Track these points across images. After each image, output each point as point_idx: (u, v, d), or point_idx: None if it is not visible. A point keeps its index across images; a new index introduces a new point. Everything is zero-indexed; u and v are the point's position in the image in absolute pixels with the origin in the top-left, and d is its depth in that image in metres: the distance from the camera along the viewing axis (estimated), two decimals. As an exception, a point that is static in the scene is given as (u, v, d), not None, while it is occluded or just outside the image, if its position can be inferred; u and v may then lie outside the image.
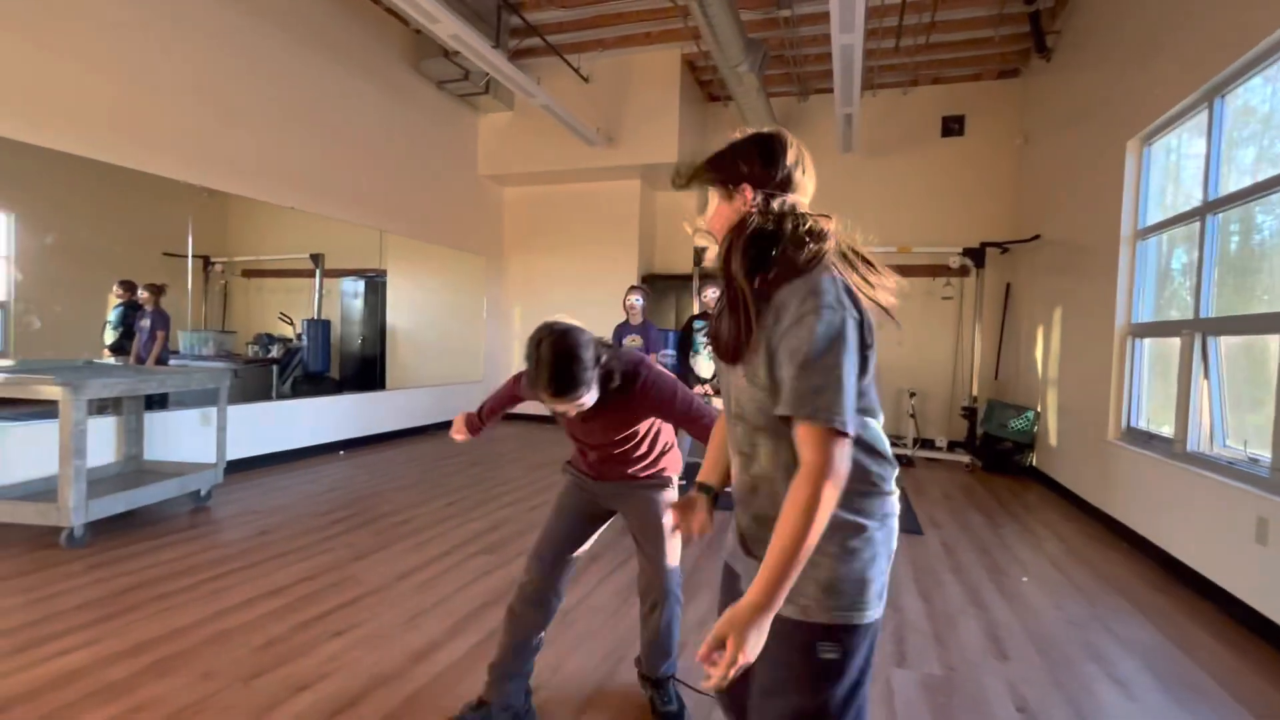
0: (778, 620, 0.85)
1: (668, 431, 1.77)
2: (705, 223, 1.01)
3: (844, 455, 0.82)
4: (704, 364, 4.07)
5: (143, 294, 4.64)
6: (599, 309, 6.08)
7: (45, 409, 3.20)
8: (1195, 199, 3.19)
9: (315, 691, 1.79)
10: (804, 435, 0.82)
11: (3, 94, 3.16)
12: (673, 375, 1.62)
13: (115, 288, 4.50)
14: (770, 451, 0.92)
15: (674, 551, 1.70)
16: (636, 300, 4.26)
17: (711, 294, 4.28)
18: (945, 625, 2.37)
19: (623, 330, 4.38)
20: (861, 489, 0.91)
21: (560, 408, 1.44)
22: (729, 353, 0.92)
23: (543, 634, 1.68)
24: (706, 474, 1.20)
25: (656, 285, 7.04)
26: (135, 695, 1.73)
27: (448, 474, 4.59)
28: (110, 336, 4.45)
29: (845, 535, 0.89)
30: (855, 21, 3.85)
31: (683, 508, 1.17)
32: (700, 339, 4.05)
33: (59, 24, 3.36)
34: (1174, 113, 3.32)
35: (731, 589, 1.04)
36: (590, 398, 1.44)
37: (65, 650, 1.95)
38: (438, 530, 3.27)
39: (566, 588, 1.70)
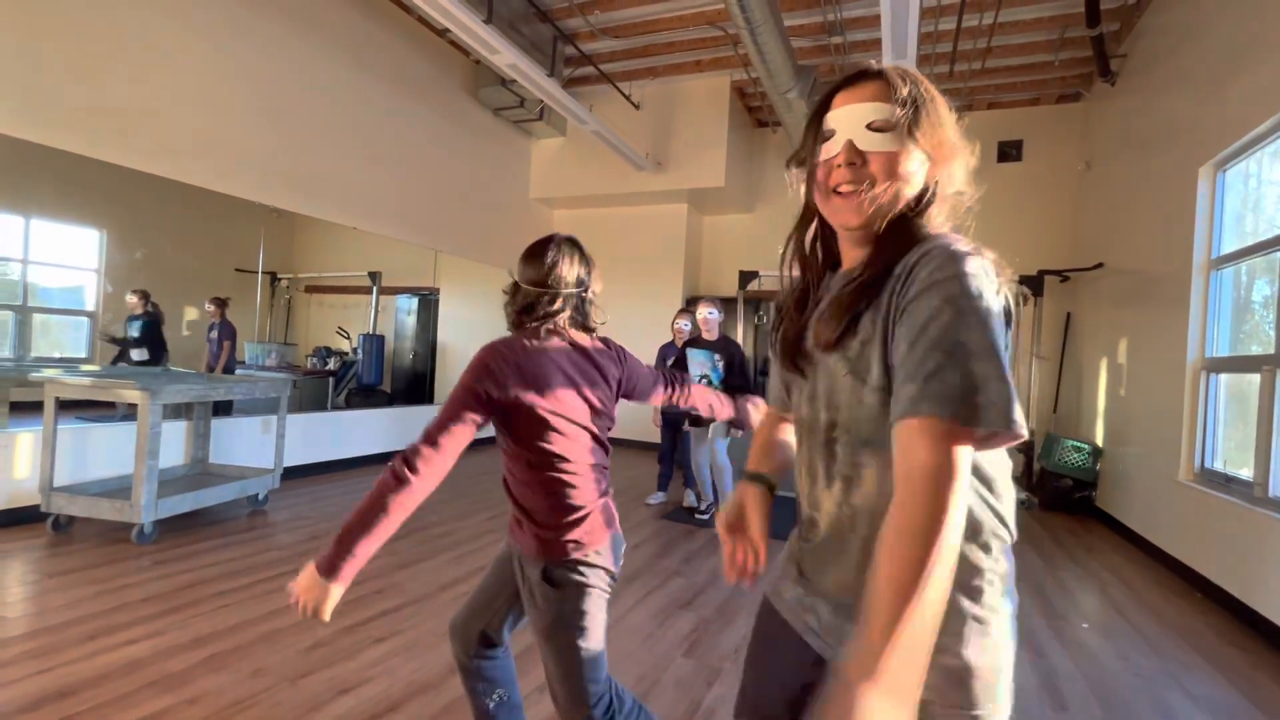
0: None
1: (584, 479, 1.22)
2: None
3: (968, 461, 0.58)
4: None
5: (209, 307, 4.93)
6: (644, 330, 6.13)
7: (120, 412, 3.43)
8: (1278, 227, 3.01)
9: (356, 695, 1.83)
10: (919, 431, 0.58)
11: (100, 121, 3.46)
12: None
13: (130, 297, 4.56)
14: (880, 474, 0.69)
15: (589, 672, 1.18)
16: (685, 325, 4.27)
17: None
18: (997, 669, 2.25)
19: (667, 352, 4.41)
20: (994, 535, 0.69)
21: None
22: (829, 334, 0.71)
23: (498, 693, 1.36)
24: (753, 462, 0.92)
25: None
26: (190, 688, 1.82)
27: (490, 488, 4.67)
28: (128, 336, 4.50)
29: (975, 600, 0.67)
30: (908, 47, 3.84)
31: (731, 528, 0.86)
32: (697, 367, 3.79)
33: (147, 57, 3.67)
34: (1251, 137, 3.16)
35: (797, 677, 0.79)
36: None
37: (131, 640, 2.06)
38: (479, 543, 3.33)
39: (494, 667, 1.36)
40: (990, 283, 0.63)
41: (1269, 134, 3.08)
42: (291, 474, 4.51)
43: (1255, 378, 3.04)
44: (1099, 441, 5.02)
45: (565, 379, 1.22)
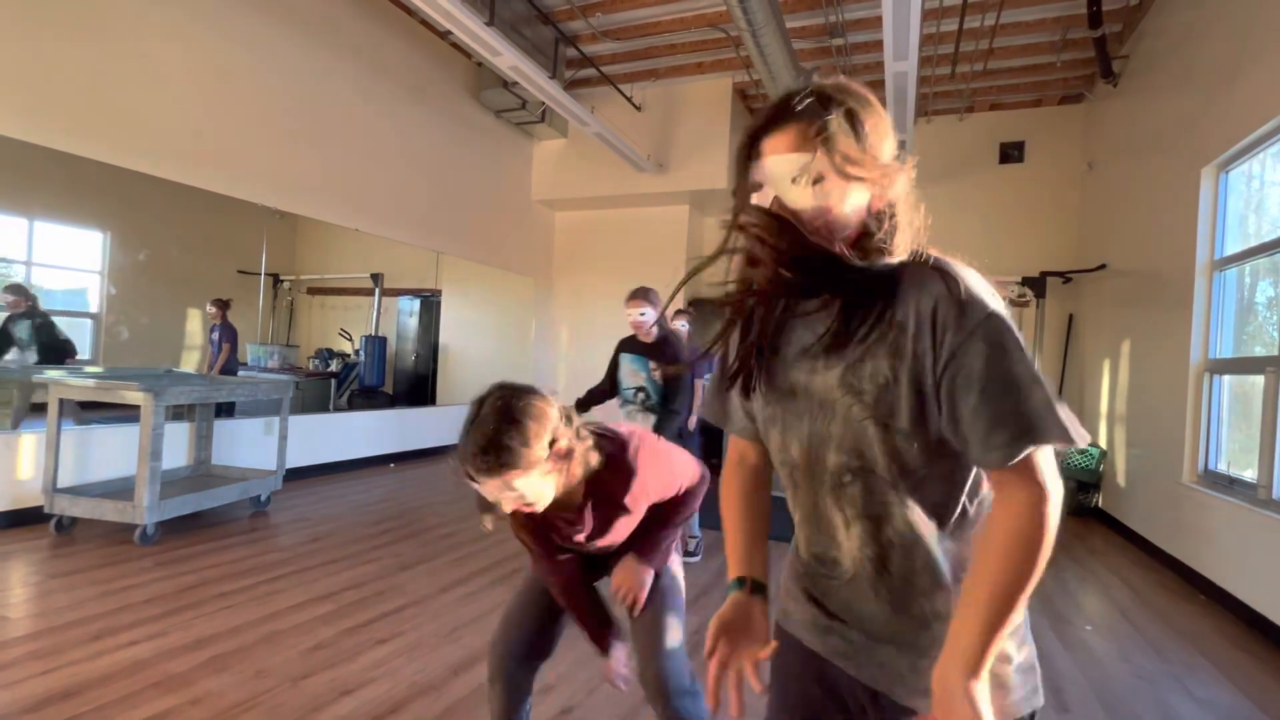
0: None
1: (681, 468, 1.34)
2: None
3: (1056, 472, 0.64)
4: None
5: (211, 309, 4.92)
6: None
7: (125, 413, 3.43)
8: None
9: (358, 696, 1.83)
10: (1021, 470, 0.62)
11: (104, 124, 3.47)
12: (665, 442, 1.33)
13: (6, 295, 3.88)
14: (909, 509, 0.70)
15: (679, 647, 1.30)
16: (683, 325, 4.26)
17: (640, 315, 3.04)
18: (1000, 671, 2.24)
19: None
20: None
21: (490, 490, 1.05)
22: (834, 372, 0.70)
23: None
24: (745, 564, 0.84)
25: (704, 309, 7.05)
26: (193, 689, 1.82)
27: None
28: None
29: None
30: (909, 49, 3.84)
31: (729, 629, 0.81)
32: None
33: (150, 60, 3.69)
34: (1254, 138, 3.15)
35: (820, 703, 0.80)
36: (532, 484, 1.05)
37: (133, 641, 2.07)
38: (480, 545, 3.33)
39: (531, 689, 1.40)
40: (996, 296, 0.66)
41: (1271, 135, 3.07)
42: (294, 475, 4.51)
43: (1259, 379, 3.03)
44: (1102, 443, 5.00)
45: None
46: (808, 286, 0.71)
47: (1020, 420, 0.60)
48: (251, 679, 1.89)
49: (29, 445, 3.18)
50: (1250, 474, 3.09)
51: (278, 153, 4.42)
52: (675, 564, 1.42)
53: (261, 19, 4.24)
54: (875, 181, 0.68)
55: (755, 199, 0.69)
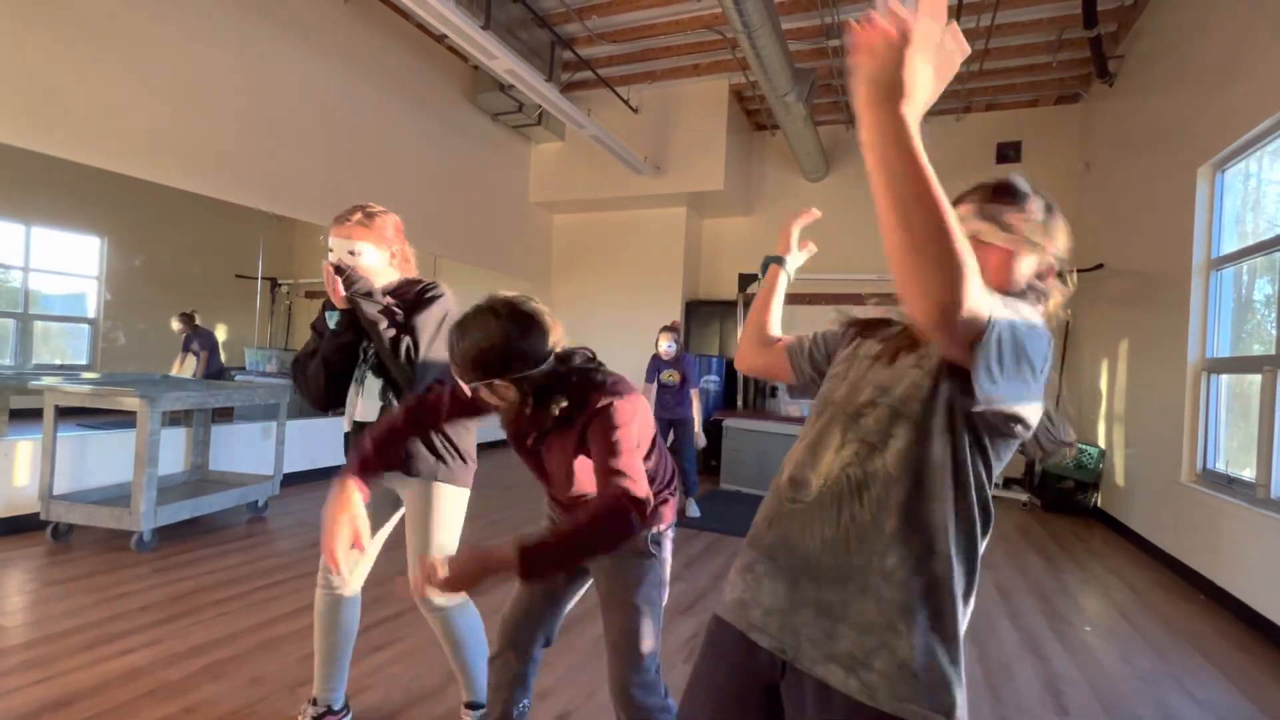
0: (832, 699, 0.69)
1: (660, 464, 1.36)
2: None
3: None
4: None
5: (176, 325, 4.91)
6: (643, 334, 6.12)
7: (122, 419, 3.42)
8: (1278, 226, 3.01)
9: (356, 703, 1.82)
10: None
11: (99, 129, 3.46)
12: (647, 422, 1.27)
13: None
14: (904, 448, 0.73)
15: (649, 645, 1.28)
16: (669, 346, 4.28)
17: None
18: (1000, 675, 2.24)
19: (658, 363, 4.38)
20: (980, 534, 0.74)
21: (462, 378, 1.12)
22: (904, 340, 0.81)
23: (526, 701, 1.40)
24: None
25: (701, 311, 7.05)
26: (189, 696, 1.81)
27: (488, 494, 4.66)
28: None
29: (951, 596, 0.70)
30: (905, 50, 3.83)
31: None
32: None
33: (146, 66, 3.68)
34: (1250, 137, 3.15)
35: (745, 675, 0.80)
36: (502, 388, 1.11)
37: (129, 649, 2.06)
38: (479, 549, 3.32)
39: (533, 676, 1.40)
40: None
41: (1267, 134, 3.08)
42: (292, 480, 4.50)
43: (1257, 378, 3.03)
44: (1100, 443, 5.00)
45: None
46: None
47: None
48: (248, 686, 1.88)
49: (25, 451, 3.17)
50: (1249, 473, 3.09)
51: (275, 157, 4.42)
52: (665, 555, 1.34)
53: (257, 24, 4.24)
54: (1049, 273, 0.91)
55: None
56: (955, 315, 0.58)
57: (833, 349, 0.98)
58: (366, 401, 1.66)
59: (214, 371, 4.86)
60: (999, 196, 0.85)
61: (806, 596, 0.74)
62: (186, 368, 4.81)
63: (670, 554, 1.36)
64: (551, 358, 1.14)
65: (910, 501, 0.71)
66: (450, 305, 1.70)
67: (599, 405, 1.14)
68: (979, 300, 0.59)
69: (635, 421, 1.16)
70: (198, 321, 4.93)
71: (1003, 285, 0.81)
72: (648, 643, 1.26)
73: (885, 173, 0.57)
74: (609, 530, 1.02)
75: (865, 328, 0.92)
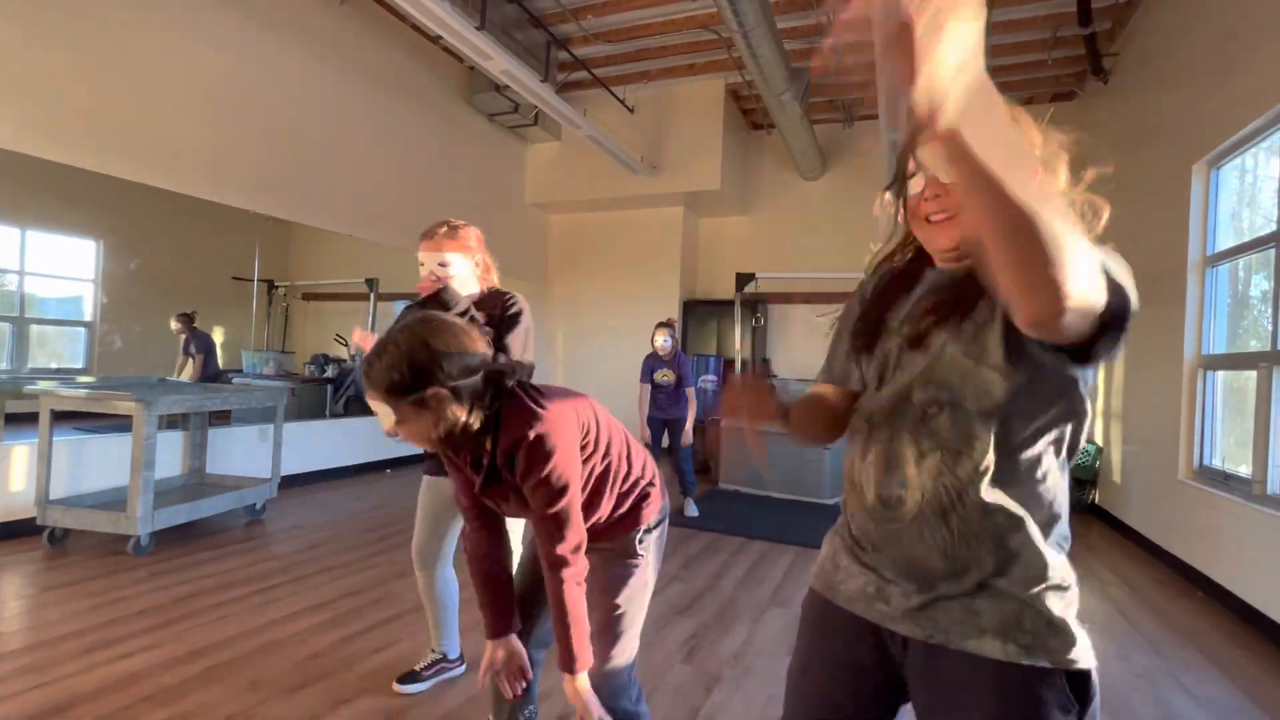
0: (979, 665, 0.72)
1: (638, 455, 1.31)
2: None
3: None
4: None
5: (175, 325, 4.90)
6: (640, 334, 6.12)
7: (118, 423, 3.42)
8: (1273, 223, 3.02)
9: (353, 706, 1.82)
10: None
11: (96, 133, 3.45)
12: (596, 423, 1.21)
13: None
14: (989, 447, 0.73)
15: (625, 647, 1.24)
16: (665, 341, 4.27)
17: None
18: (997, 671, 2.24)
19: (653, 363, 4.37)
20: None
21: (379, 405, 1.04)
22: (934, 323, 0.77)
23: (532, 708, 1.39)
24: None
25: (698, 311, 7.05)
26: (186, 701, 1.81)
27: (489, 495, 4.66)
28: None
29: (1059, 549, 0.76)
30: (900, 49, 3.84)
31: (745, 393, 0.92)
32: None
33: (142, 69, 3.67)
34: (1245, 134, 3.16)
35: (863, 669, 0.83)
36: (392, 414, 1.02)
37: (127, 653, 2.05)
38: (477, 551, 3.32)
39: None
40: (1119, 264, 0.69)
41: (1261, 131, 3.08)
42: (289, 483, 4.49)
43: (1253, 374, 3.04)
44: (1098, 439, 5.01)
45: (581, 401, 1.24)
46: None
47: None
48: (245, 690, 1.88)
49: (21, 456, 3.16)
50: (1245, 469, 3.09)
51: (270, 159, 4.41)
52: (650, 557, 1.29)
53: (253, 26, 4.23)
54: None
55: (911, 185, 0.82)
56: (1061, 314, 0.55)
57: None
58: None
59: (210, 375, 4.85)
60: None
61: (935, 594, 0.76)
62: (187, 372, 4.80)
63: (658, 553, 1.33)
64: (479, 374, 1.05)
65: (1009, 489, 0.73)
66: (529, 315, 1.83)
67: (530, 437, 1.05)
68: (1087, 286, 0.55)
69: (570, 446, 1.10)
70: (196, 323, 4.91)
71: None
72: (624, 645, 1.24)
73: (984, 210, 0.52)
74: (572, 600, 1.12)
75: (862, 330, 0.88)
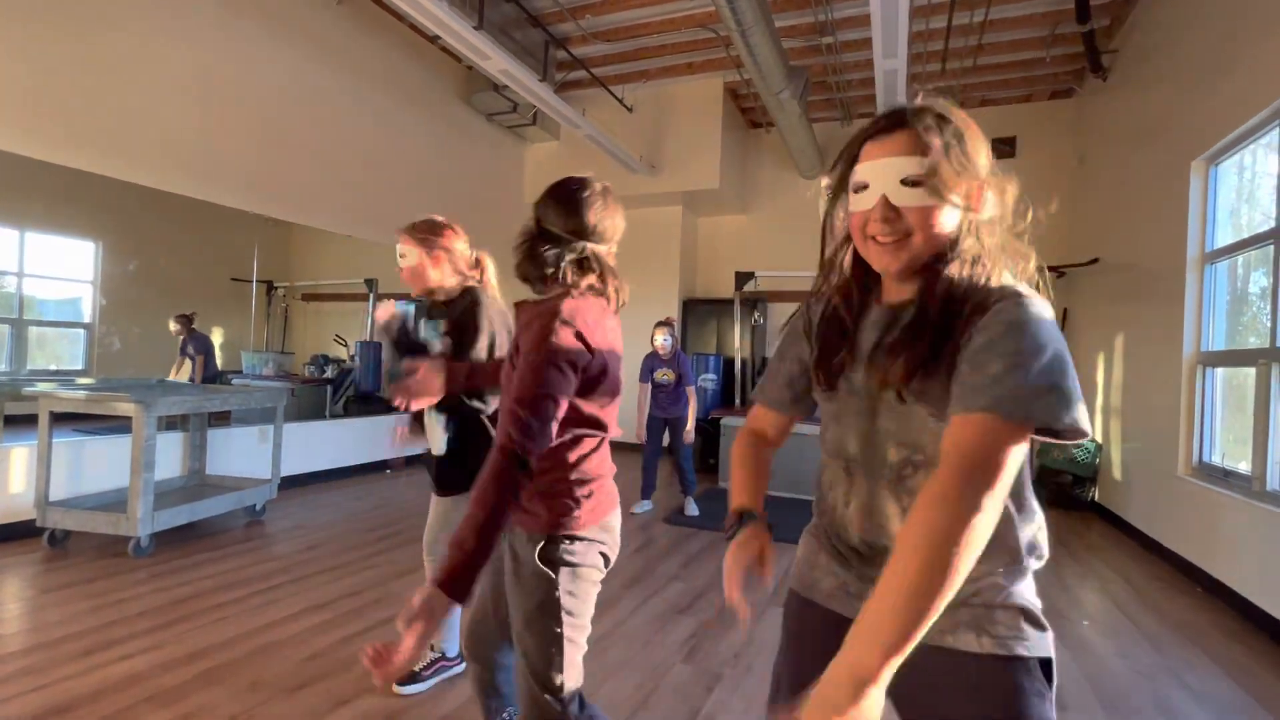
0: (957, 659, 0.73)
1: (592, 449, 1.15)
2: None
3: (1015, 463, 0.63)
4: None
5: (174, 327, 4.89)
6: (640, 333, 6.12)
7: (118, 424, 3.42)
8: (1272, 220, 3.01)
9: (354, 707, 1.82)
10: (972, 425, 0.63)
11: (92, 133, 3.45)
12: (546, 349, 1.03)
13: None
14: None
15: (569, 667, 1.10)
16: (665, 340, 4.27)
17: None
18: (997, 669, 2.24)
19: (652, 362, 4.37)
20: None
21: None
22: (898, 375, 0.73)
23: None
24: (748, 496, 0.92)
25: (699, 310, 7.05)
26: (187, 702, 1.81)
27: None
28: None
29: (1030, 547, 0.76)
30: (898, 47, 3.84)
31: (746, 549, 0.88)
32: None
33: (140, 70, 3.67)
34: (1242, 131, 3.16)
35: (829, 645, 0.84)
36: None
37: (127, 655, 2.05)
38: (477, 550, 3.32)
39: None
40: (1047, 309, 0.69)
41: (1260, 127, 3.08)
42: (290, 483, 4.49)
43: (1252, 371, 3.04)
44: (1097, 437, 5.01)
45: (615, 341, 1.14)
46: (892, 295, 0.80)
47: (998, 386, 0.62)
48: (246, 691, 1.88)
49: (20, 458, 3.16)
50: (1244, 466, 3.09)
51: (269, 160, 4.40)
52: (583, 571, 1.11)
53: (250, 27, 4.23)
54: (970, 194, 0.73)
55: (857, 200, 0.75)
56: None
57: (802, 365, 0.90)
58: (438, 432, 1.79)
59: (209, 377, 4.84)
60: (884, 131, 0.74)
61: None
62: (183, 373, 4.79)
63: (596, 563, 1.13)
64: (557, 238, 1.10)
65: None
66: (486, 314, 1.77)
67: (547, 305, 1.05)
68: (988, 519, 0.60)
69: (568, 345, 1.03)
70: (195, 325, 4.90)
71: (941, 247, 0.73)
72: (554, 673, 1.08)
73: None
74: (494, 499, 0.95)
75: (822, 352, 0.83)
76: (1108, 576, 3.38)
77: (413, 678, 1.93)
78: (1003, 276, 0.73)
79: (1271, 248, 2.96)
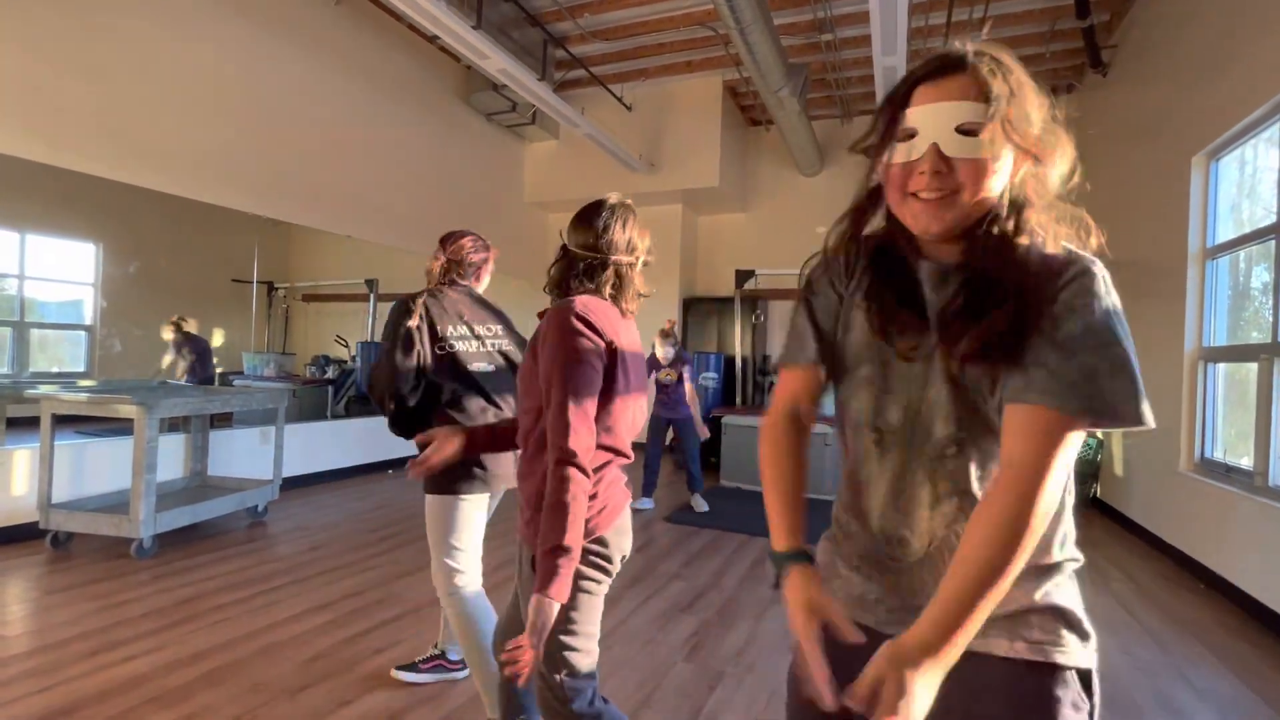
0: (989, 664, 0.68)
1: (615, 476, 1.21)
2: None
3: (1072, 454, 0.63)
4: None
5: (167, 334, 4.86)
6: (641, 333, 6.12)
7: (120, 426, 3.42)
8: (1273, 214, 3.01)
9: (356, 707, 1.83)
10: (1032, 419, 0.62)
11: (93, 136, 3.45)
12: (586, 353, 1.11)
13: None
14: None
15: (575, 667, 1.14)
16: (668, 352, 4.30)
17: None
18: (1000, 666, 2.24)
19: (654, 363, 4.37)
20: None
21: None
22: (972, 347, 0.66)
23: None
24: (792, 533, 0.78)
25: (699, 308, 7.05)
26: (190, 703, 1.81)
27: (490, 494, 4.66)
28: None
29: (1074, 549, 0.72)
30: (897, 44, 3.83)
31: (810, 615, 0.70)
32: None
33: (140, 72, 3.67)
34: (1243, 125, 3.15)
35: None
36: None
37: (130, 656, 2.06)
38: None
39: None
40: (1113, 292, 0.66)
41: (1260, 122, 3.07)
42: (292, 484, 4.50)
43: (1254, 366, 3.03)
44: (1099, 433, 5.01)
45: (628, 341, 1.22)
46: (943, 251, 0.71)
47: (1084, 386, 0.61)
48: (248, 692, 1.88)
49: (23, 460, 3.17)
50: (1246, 461, 3.09)
51: (268, 161, 4.40)
52: (590, 572, 1.16)
53: (249, 28, 4.22)
54: (1028, 148, 0.66)
55: (902, 150, 0.67)
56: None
57: (832, 314, 0.81)
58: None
59: (205, 379, 4.84)
60: (938, 74, 0.66)
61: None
62: (179, 370, 4.78)
63: (597, 578, 1.17)
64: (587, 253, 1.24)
65: None
66: (399, 315, 1.78)
67: (562, 310, 1.13)
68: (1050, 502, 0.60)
69: (581, 351, 1.10)
70: (186, 328, 4.88)
71: (989, 209, 0.67)
72: (559, 663, 1.13)
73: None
74: (568, 508, 1.03)
75: (883, 307, 0.73)
76: (1110, 573, 3.37)
77: (411, 667, 1.97)
78: (1061, 244, 0.68)
79: (1273, 242, 2.95)
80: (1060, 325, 0.63)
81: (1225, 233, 3.47)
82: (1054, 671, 0.67)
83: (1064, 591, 0.70)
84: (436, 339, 1.77)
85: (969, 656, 0.68)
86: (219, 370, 5.32)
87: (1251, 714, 2.01)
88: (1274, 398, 2.83)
